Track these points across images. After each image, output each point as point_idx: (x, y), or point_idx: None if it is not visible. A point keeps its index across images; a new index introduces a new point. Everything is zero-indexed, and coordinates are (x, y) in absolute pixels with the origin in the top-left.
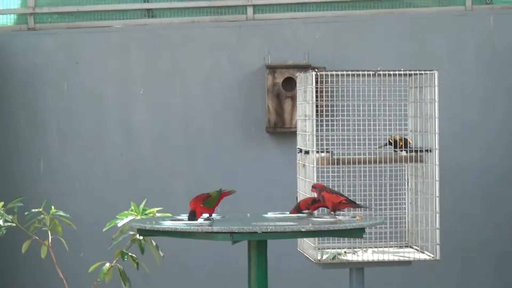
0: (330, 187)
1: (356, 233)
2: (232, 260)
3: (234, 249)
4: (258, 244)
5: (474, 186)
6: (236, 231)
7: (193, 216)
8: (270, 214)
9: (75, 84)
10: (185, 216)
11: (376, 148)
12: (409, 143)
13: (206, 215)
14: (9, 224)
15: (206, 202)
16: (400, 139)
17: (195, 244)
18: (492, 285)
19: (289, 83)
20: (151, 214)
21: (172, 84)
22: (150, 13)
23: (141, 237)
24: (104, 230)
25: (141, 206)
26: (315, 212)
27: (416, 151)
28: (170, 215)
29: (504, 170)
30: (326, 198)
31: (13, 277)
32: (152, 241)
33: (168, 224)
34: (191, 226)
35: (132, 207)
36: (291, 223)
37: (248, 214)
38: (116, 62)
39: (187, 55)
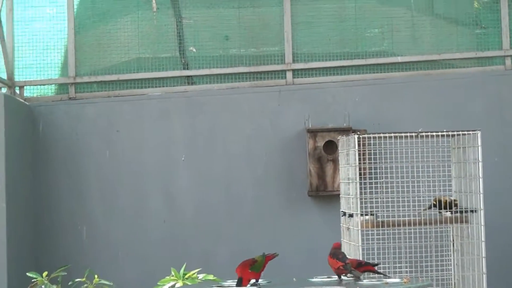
0: (375, 250)
1: None
2: None
3: None
4: None
5: None
6: None
7: (240, 282)
8: (316, 279)
9: (116, 152)
10: (231, 282)
11: (421, 211)
12: (454, 203)
13: (253, 281)
14: None
15: (253, 267)
16: (445, 200)
17: None
18: None
19: (330, 146)
20: (192, 277)
21: (214, 149)
22: (189, 80)
23: None
24: None
25: (181, 270)
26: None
27: (461, 212)
28: (212, 276)
29: None
30: (329, 263)
31: None
32: None
33: None
34: None
35: (173, 272)
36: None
37: (294, 279)
38: (157, 129)
39: (228, 121)
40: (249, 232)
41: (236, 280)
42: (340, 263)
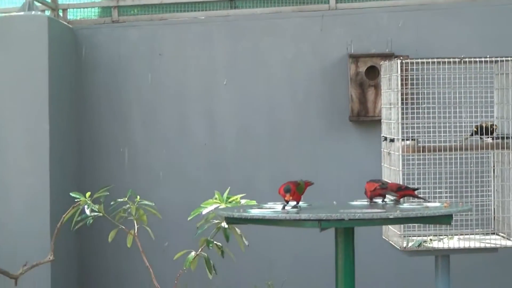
0: (416, 175)
1: (444, 220)
2: (316, 249)
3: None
4: (346, 232)
5: None
6: (324, 218)
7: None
8: (356, 202)
9: (158, 76)
10: (272, 204)
11: (463, 138)
12: (495, 129)
13: (293, 203)
14: (96, 213)
15: (298, 189)
16: (487, 126)
17: (278, 232)
18: None
19: (372, 71)
20: (235, 202)
21: (255, 74)
22: (233, 4)
23: (226, 226)
24: (189, 219)
25: (225, 194)
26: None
27: (502, 138)
28: (254, 202)
29: None
30: (366, 189)
31: (100, 266)
32: (237, 229)
33: (256, 212)
34: (279, 213)
35: (216, 196)
36: (379, 210)
37: (334, 202)
38: (199, 53)
39: (270, 45)
40: (289, 157)
41: (277, 203)
42: (377, 184)
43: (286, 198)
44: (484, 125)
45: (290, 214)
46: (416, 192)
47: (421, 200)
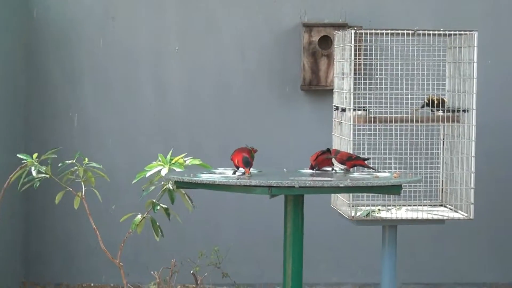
0: (366, 145)
1: (393, 190)
2: (264, 216)
3: (267, 205)
4: (295, 199)
5: (509, 147)
6: (275, 185)
7: (247, 162)
8: (306, 170)
9: (110, 40)
10: (222, 170)
11: (414, 110)
12: (446, 103)
13: (243, 170)
14: (43, 175)
15: (251, 156)
16: (437, 99)
17: (227, 198)
18: None
19: (325, 41)
20: (178, 163)
21: (207, 41)
22: None
23: (171, 188)
24: (133, 182)
25: (168, 156)
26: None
27: (453, 111)
28: (199, 160)
29: None
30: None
31: (47, 228)
32: (183, 191)
33: (206, 177)
34: (229, 179)
35: (159, 158)
36: (329, 179)
37: (284, 169)
38: (152, 18)
39: (223, 13)
40: (240, 124)
41: (227, 168)
42: (319, 152)
43: (246, 172)
44: (435, 98)
45: (240, 180)
46: (366, 162)
47: (371, 170)
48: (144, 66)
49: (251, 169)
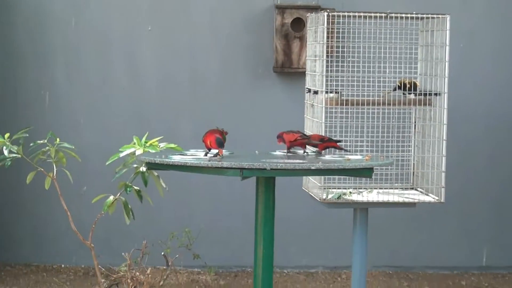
0: (338, 127)
1: (365, 172)
2: (236, 198)
3: (240, 186)
4: (267, 181)
5: (479, 131)
6: (246, 167)
7: (221, 142)
8: (278, 152)
9: (82, 20)
10: (194, 151)
11: (386, 92)
12: (417, 86)
13: (215, 151)
14: (14, 155)
15: (223, 138)
16: (409, 82)
17: (199, 180)
18: (492, 228)
19: (298, 23)
20: (153, 145)
21: (179, 21)
22: None
23: (144, 170)
24: (107, 163)
25: (143, 138)
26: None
27: (424, 94)
28: (173, 145)
29: (511, 115)
30: (285, 139)
31: (17, 208)
32: (155, 173)
33: (177, 159)
34: (201, 160)
35: (135, 140)
36: (301, 161)
37: (256, 151)
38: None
39: None
40: (212, 106)
41: (199, 150)
42: (297, 134)
43: (220, 153)
44: (406, 81)
45: (212, 162)
46: (338, 144)
47: (343, 151)
48: (117, 46)
49: (223, 151)
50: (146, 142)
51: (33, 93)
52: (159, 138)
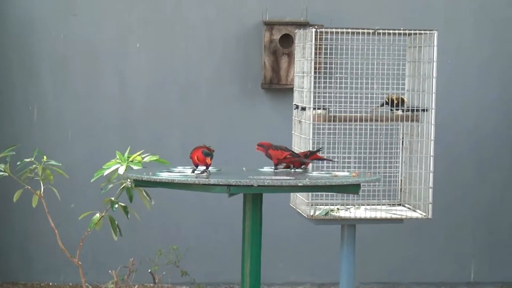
0: (326, 144)
1: (352, 189)
2: (223, 215)
3: (227, 203)
4: (254, 198)
5: (467, 147)
6: (233, 184)
7: (208, 153)
8: (266, 169)
9: (72, 34)
10: (182, 168)
11: (373, 108)
12: (405, 102)
13: (202, 168)
14: (1, 173)
15: (210, 154)
16: (397, 98)
17: (187, 197)
18: (480, 244)
19: (286, 40)
20: (136, 160)
21: (169, 37)
22: None
23: (130, 185)
24: (92, 180)
25: (126, 153)
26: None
27: (412, 110)
28: (157, 157)
29: (498, 131)
30: (272, 156)
31: (5, 226)
32: (142, 189)
33: (165, 176)
34: (188, 178)
35: (117, 156)
36: (288, 178)
37: (244, 168)
38: (114, 14)
39: (184, 10)
40: (200, 122)
41: (186, 167)
42: (287, 152)
43: (207, 161)
44: (394, 97)
45: (199, 179)
46: (319, 153)
47: (326, 160)
48: (106, 60)
49: (210, 167)
50: (129, 157)
51: (20, 108)
52: (140, 152)
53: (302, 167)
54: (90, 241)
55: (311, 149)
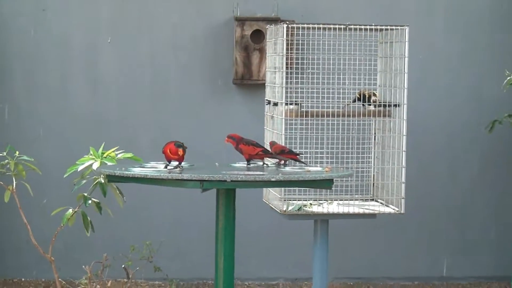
0: (298, 139)
1: (324, 184)
2: (196, 210)
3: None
4: (227, 193)
5: (439, 142)
6: (206, 179)
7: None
8: (238, 164)
9: (42, 31)
10: (154, 163)
11: (345, 104)
12: (377, 98)
13: (175, 163)
14: None
15: (182, 146)
16: (369, 94)
17: (159, 192)
18: (453, 238)
19: (258, 35)
20: (110, 157)
21: (140, 34)
22: None
23: (103, 181)
24: (65, 176)
25: (100, 149)
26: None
27: (384, 106)
28: (131, 154)
29: (469, 126)
30: (243, 151)
31: None
32: (114, 185)
33: (137, 171)
34: (161, 173)
35: (91, 152)
36: (261, 173)
37: (216, 163)
38: (84, 10)
39: (156, 5)
40: (172, 118)
41: (159, 162)
42: (259, 148)
43: (179, 153)
44: (366, 93)
45: (172, 174)
46: (298, 157)
47: (303, 164)
48: (76, 57)
49: (183, 163)
50: (103, 153)
51: None
52: (114, 148)
53: (275, 162)
54: (63, 236)
55: (286, 146)
